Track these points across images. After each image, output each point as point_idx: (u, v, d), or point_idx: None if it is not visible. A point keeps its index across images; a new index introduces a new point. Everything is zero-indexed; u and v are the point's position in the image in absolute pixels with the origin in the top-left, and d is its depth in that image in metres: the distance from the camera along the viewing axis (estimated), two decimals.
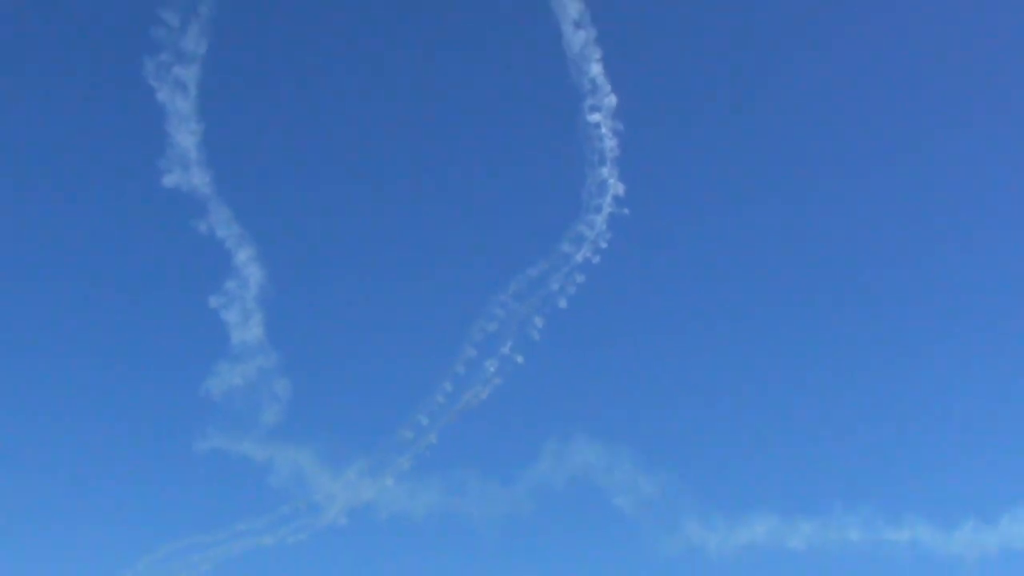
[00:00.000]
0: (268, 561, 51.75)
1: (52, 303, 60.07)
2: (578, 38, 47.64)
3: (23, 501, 57.78)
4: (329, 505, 53.82)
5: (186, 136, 47.17)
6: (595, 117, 48.52)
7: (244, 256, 49.77)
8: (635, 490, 57.41)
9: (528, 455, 56.25)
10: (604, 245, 51.16)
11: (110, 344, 60.09)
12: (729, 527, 57.46)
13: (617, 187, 50.01)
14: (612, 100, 48.31)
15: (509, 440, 59.51)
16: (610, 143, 49.38)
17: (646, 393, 64.32)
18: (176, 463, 55.63)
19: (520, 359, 50.94)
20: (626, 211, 50.53)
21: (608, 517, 56.99)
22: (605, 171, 49.73)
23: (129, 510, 57.23)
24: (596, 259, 51.08)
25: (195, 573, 52.41)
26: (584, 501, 57.19)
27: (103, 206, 60.72)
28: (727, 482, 61.38)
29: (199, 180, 48.02)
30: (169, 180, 47.22)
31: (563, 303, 51.19)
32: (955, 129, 72.39)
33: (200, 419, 51.53)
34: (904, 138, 71.02)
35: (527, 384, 51.88)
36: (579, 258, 51.08)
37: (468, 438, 52.96)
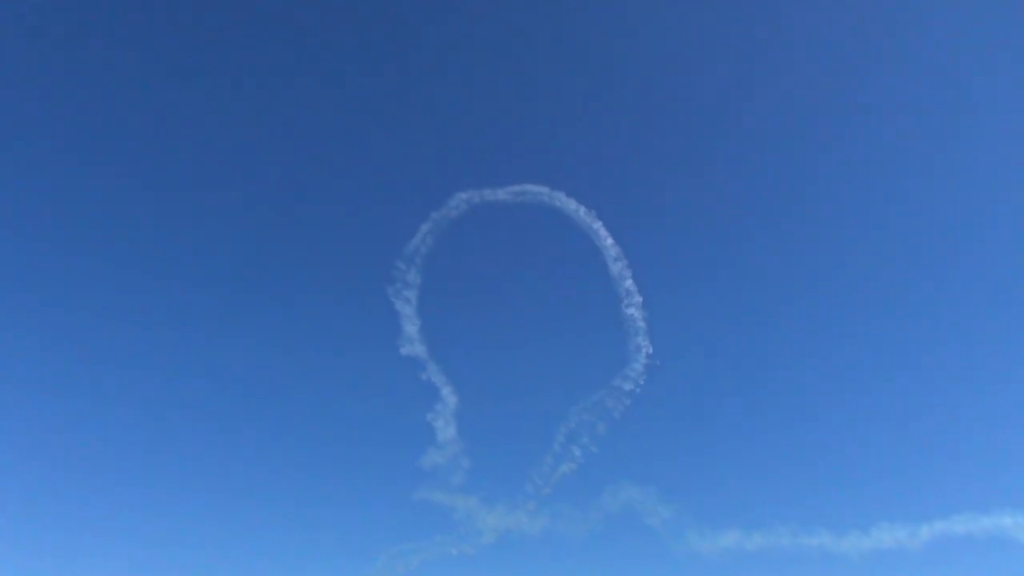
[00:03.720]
0: (451, 563, 74.46)
1: (350, 429, 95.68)
2: (616, 266, 72.49)
3: (332, 524, 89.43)
4: (486, 530, 72.68)
5: (411, 327, 74.11)
6: (631, 311, 71.91)
7: (446, 391, 73.80)
8: (658, 514, 74.22)
9: (596, 494, 74.95)
10: (641, 382, 70.25)
11: (375, 443, 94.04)
12: (713, 537, 73.98)
13: (648, 348, 71.34)
14: (639, 299, 72.01)
15: (585, 487, 75.52)
16: (641, 324, 71.79)
17: (665, 460, 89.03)
18: (403, 505, 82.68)
19: (593, 448, 69.90)
20: (658, 363, 71.27)
21: (642, 531, 75.48)
22: (640, 339, 71.51)
23: (377, 531, 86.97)
24: (637, 390, 70.32)
25: (412, 567, 73.67)
26: (628, 521, 75.59)
27: (370, 367, 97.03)
28: (711, 510, 79.01)
29: (419, 350, 74.07)
30: (404, 351, 73.73)
31: (617, 415, 70.46)
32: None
33: (417, 481, 75.20)
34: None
35: (596, 459, 71.25)
36: (626, 389, 70.35)
37: (563, 489, 71.96)
